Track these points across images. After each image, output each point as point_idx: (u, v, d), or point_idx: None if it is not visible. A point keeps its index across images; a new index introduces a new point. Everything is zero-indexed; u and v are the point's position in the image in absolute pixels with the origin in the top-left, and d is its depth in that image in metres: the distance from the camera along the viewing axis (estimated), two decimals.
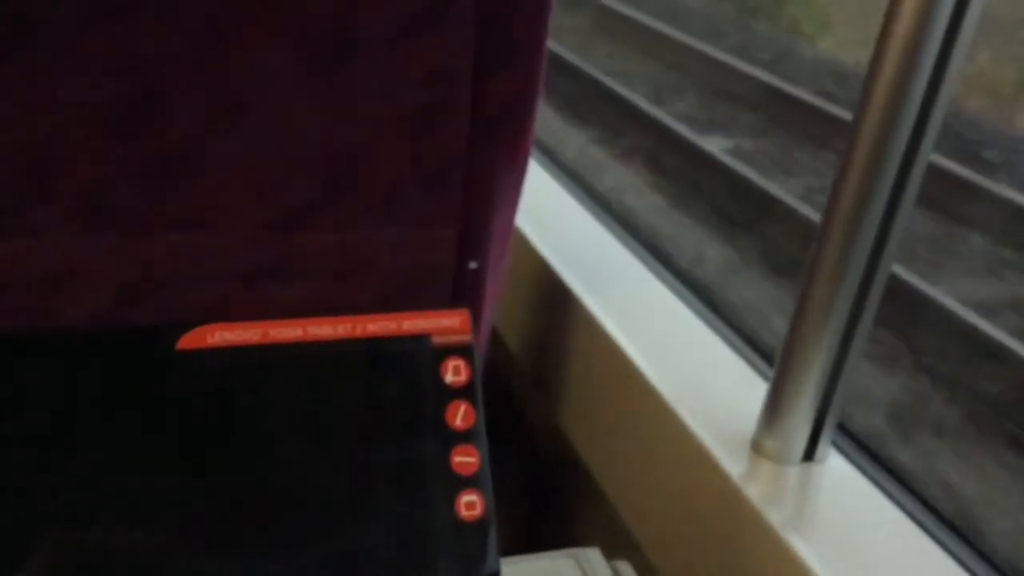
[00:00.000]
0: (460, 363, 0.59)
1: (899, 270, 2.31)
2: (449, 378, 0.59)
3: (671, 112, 3.65)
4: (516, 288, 0.93)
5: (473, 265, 0.78)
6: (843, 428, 0.72)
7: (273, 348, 0.57)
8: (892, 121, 0.58)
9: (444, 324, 0.60)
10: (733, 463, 0.70)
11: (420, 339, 0.59)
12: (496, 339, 0.98)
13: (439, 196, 0.75)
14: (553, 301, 0.88)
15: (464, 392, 0.58)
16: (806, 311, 0.66)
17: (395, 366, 0.58)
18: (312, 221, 0.73)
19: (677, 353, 0.80)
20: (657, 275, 0.89)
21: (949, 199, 2.90)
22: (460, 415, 0.58)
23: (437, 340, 0.60)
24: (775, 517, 0.65)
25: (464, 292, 0.79)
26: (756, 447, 0.71)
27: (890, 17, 0.56)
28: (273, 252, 0.73)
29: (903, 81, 0.57)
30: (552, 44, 0.78)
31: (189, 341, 0.57)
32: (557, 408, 0.91)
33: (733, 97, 3.93)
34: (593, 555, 0.72)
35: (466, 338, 0.60)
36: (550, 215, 1.00)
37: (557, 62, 4.05)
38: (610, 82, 3.86)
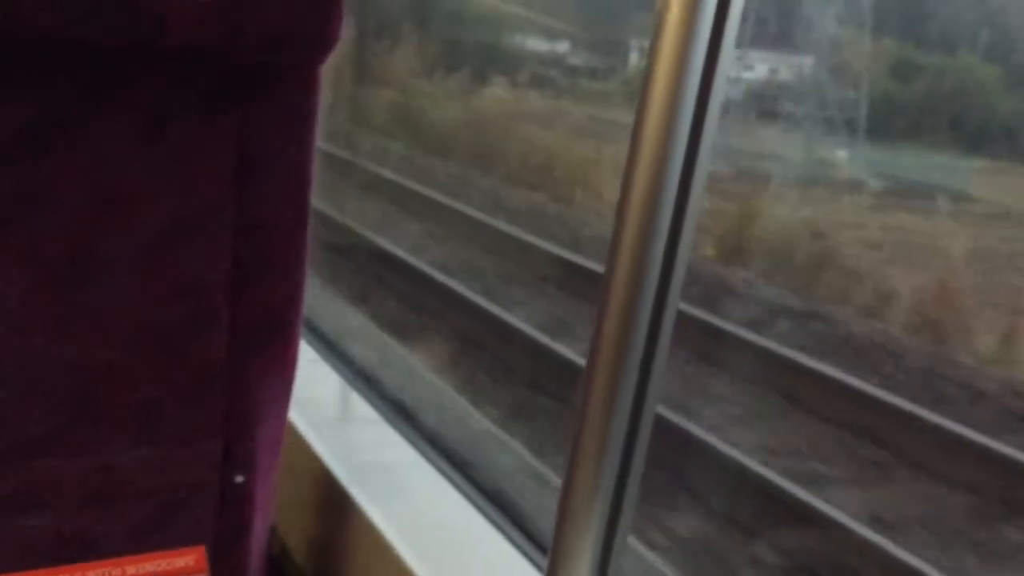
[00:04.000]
0: None
1: None
2: None
3: None
4: (296, 491, 0.90)
5: (240, 479, 0.75)
6: None
7: None
8: (640, 274, 0.60)
9: (177, 565, 0.56)
10: None
11: None
12: (280, 545, 0.94)
13: (198, 411, 0.72)
14: (333, 504, 0.86)
15: None
16: (569, 506, 0.66)
17: None
18: (55, 448, 0.68)
19: (458, 555, 0.78)
20: (438, 468, 0.88)
21: None
22: None
23: None
24: None
25: (231, 509, 0.75)
26: None
27: (626, 184, 0.59)
28: (10, 483, 0.67)
29: (646, 237, 0.60)
30: None
31: None
32: None
33: None
34: None
35: None
36: (330, 413, 0.98)
37: None
38: None
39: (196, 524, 0.73)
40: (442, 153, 5.30)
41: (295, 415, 0.82)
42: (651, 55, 0.58)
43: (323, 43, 0.66)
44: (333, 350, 1.17)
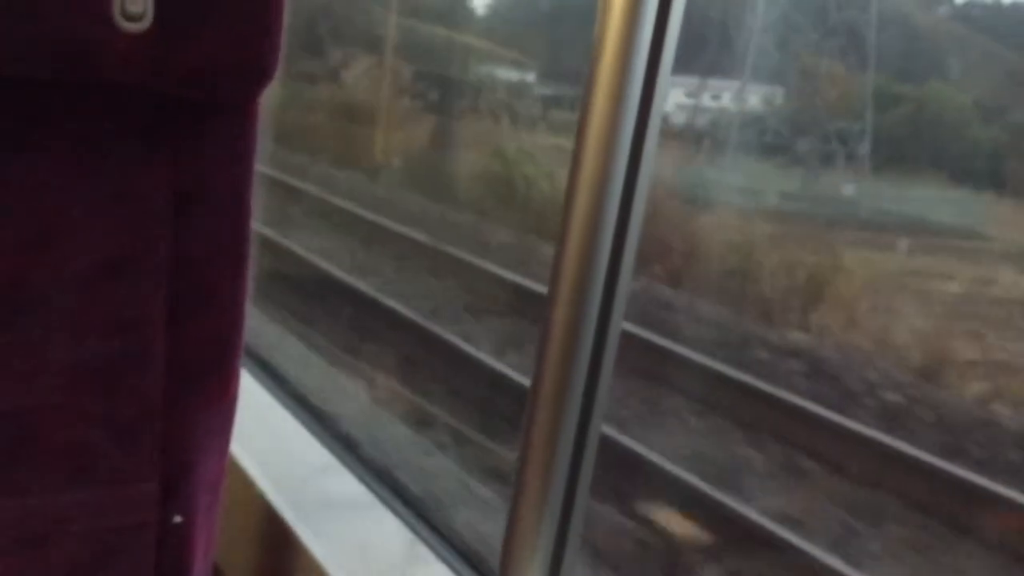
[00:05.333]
0: None
1: None
2: None
3: None
4: (240, 529, 0.88)
5: (178, 520, 0.73)
6: None
7: None
8: (583, 295, 0.60)
9: None
10: None
11: None
12: None
13: (134, 450, 0.70)
14: (278, 541, 0.84)
15: None
16: (516, 529, 0.66)
17: None
18: None
19: None
20: (386, 504, 0.87)
21: None
22: None
23: None
24: None
25: (171, 550, 0.73)
26: None
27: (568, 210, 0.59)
28: None
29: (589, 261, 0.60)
30: None
31: None
32: None
33: None
34: None
35: None
36: (274, 447, 0.96)
37: None
38: None
39: (135, 566, 0.71)
40: None
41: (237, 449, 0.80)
42: (588, 84, 0.59)
43: (259, 76, 0.65)
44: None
